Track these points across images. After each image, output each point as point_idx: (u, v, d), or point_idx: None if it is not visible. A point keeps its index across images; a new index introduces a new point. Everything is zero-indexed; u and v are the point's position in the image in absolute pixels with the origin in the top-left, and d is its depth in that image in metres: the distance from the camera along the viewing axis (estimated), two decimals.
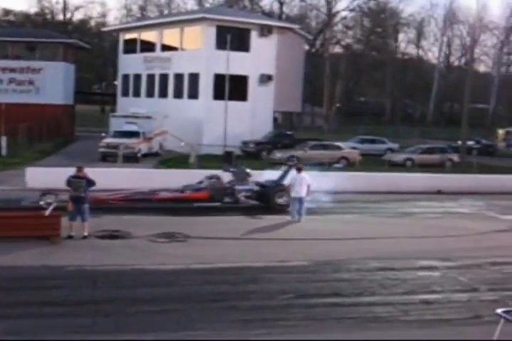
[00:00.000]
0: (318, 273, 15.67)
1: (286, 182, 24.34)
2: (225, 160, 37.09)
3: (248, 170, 25.90)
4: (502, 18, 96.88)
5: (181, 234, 18.96)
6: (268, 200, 24.65)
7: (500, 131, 77.21)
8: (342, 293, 13.97)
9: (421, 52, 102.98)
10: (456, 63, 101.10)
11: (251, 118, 44.45)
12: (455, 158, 44.63)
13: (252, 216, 23.05)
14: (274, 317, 12.20)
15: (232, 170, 26.07)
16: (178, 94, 46.83)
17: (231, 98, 43.17)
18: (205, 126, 43.27)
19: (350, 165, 39.48)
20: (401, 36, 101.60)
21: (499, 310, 7.57)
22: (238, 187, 24.62)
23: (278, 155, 39.84)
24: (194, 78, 45.00)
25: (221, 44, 43.45)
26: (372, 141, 51.67)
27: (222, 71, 42.87)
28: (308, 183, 22.24)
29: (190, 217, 22.14)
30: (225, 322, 11.79)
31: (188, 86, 45.87)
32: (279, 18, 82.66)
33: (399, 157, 43.99)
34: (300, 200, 22.20)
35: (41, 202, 21.79)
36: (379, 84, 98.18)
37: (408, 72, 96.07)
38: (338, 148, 42.35)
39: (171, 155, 40.61)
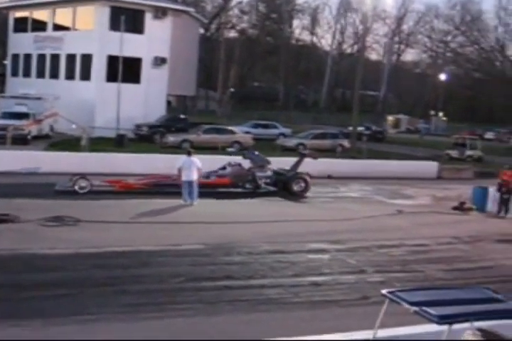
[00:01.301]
0: (211, 256, 15.75)
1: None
2: (117, 143, 36.71)
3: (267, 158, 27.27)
4: (394, 7, 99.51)
5: (71, 218, 18.63)
6: (286, 187, 26.13)
7: (390, 118, 79.55)
8: (234, 275, 14.10)
9: (315, 39, 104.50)
10: (348, 51, 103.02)
11: (144, 101, 43.97)
12: (346, 143, 45.49)
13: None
14: (166, 301, 12.21)
15: (252, 157, 26.94)
16: (70, 76, 45.75)
17: (124, 80, 42.62)
18: (98, 109, 42.53)
19: (242, 149, 39.65)
20: (296, 22, 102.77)
21: (384, 291, 7.81)
22: (258, 174, 25.88)
23: (171, 138, 39.65)
24: (87, 59, 44.10)
25: (115, 25, 42.75)
26: (265, 126, 52.16)
27: (115, 53, 42.21)
28: (199, 167, 22.45)
29: (83, 201, 21.81)
30: (117, 307, 11.72)
31: (80, 67, 44.89)
32: (175, 0, 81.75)
33: (291, 142, 44.45)
34: (190, 184, 22.29)
35: (75, 187, 22.46)
36: (273, 69, 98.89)
37: (302, 59, 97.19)
38: (232, 132, 42.46)
39: (62, 138, 39.75)
